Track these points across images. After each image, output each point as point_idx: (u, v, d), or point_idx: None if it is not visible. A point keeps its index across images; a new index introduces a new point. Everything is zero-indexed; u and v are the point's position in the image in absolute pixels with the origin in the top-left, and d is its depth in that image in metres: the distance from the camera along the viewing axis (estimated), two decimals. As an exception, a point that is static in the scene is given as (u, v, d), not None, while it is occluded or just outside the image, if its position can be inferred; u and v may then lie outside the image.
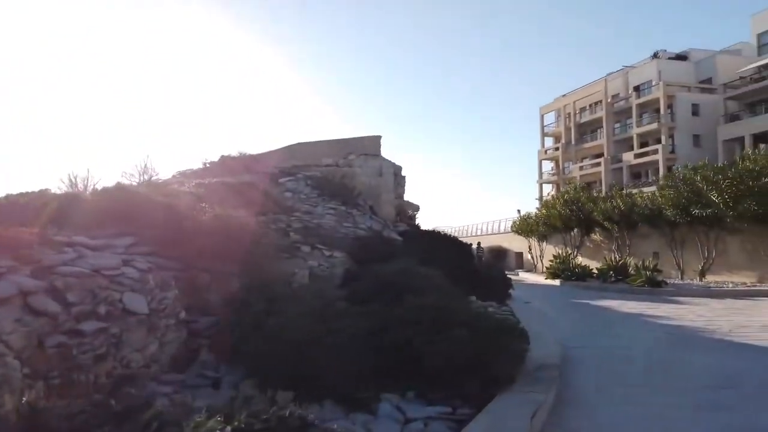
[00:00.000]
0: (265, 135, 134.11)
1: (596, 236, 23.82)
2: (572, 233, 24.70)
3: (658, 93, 43.47)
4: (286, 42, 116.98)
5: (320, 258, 9.17)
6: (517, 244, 30.75)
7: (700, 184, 15.69)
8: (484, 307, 10.99)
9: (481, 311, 6.43)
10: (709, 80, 43.58)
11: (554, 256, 21.81)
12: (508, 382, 5.01)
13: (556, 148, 52.97)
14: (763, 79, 38.55)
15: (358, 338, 5.25)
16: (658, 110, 43.85)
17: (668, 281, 16.35)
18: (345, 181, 15.32)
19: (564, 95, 52.80)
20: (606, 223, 21.23)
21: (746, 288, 14.75)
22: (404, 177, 17.19)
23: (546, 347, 7.03)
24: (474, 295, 12.11)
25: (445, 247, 15.52)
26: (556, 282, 19.95)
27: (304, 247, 9.15)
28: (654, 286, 15.42)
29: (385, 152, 19.37)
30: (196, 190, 10.58)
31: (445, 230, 49.95)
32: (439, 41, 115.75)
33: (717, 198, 15.08)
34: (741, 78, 40.76)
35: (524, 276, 25.12)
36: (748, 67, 40.13)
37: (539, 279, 22.16)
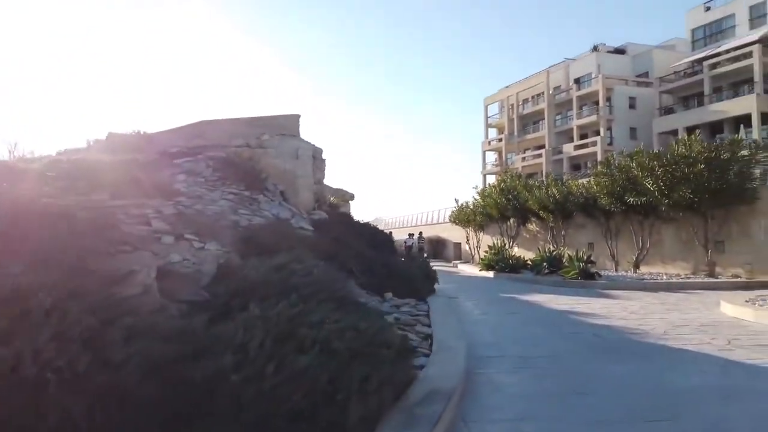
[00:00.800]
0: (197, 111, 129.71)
1: (532, 226, 22.92)
2: (508, 223, 23.74)
3: (597, 86, 43.52)
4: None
5: (188, 251, 7.36)
6: (455, 234, 29.66)
7: (635, 171, 14.78)
8: (397, 306, 9.51)
9: (357, 323, 4.80)
10: (645, 74, 43.97)
11: (489, 247, 20.71)
12: (365, 430, 3.44)
13: (500, 139, 52.58)
14: (696, 73, 39.03)
15: (152, 373, 3.55)
16: (597, 103, 43.92)
17: (602, 273, 15.43)
18: (254, 164, 13.48)
19: (507, 86, 52.35)
20: (541, 213, 20.26)
21: (680, 280, 13.94)
22: (324, 161, 15.46)
23: (450, 362, 5.53)
24: (391, 292, 10.67)
25: (363, 237, 13.99)
26: (490, 274, 18.82)
27: (166, 238, 7.29)
28: (587, 279, 14.43)
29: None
30: (46, 168, 8.54)
31: (386, 220, 48.58)
32: (384, 34, 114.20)
33: (652, 185, 14.18)
34: (675, 72, 41.24)
35: (461, 268, 24.00)
36: (682, 61, 40.64)
37: (474, 271, 21.01)
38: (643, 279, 14.42)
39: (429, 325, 7.74)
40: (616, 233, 17.45)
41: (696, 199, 13.39)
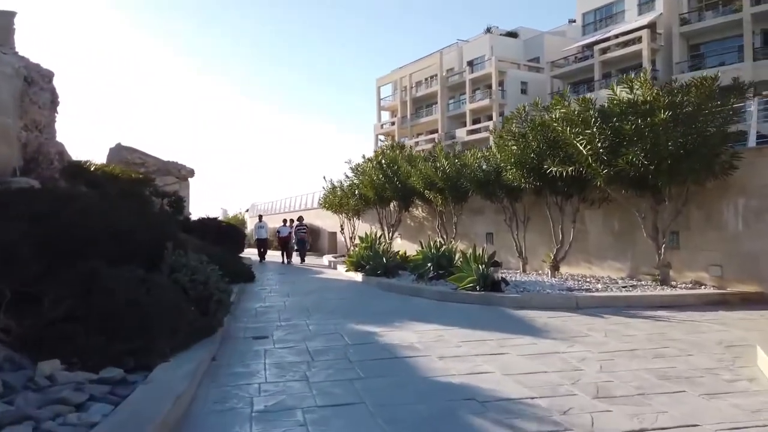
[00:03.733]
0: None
1: (417, 211, 17.32)
2: (389, 208, 17.99)
3: (490, 68, 39.52)
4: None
5: None
6: (330, 222, 23.50)
7: (559, 128, 9.45)
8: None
9: None
10: (537, 59, 40.72)
11: (360, 239, 14.88)
12: None
13: (392, 123, 47.41)
14: (586, 58, 36.10)
15: None
16: (490, 86, 40.02)
17: (509, 278, 10.02)
18: None
19: (401, 67, 47.13)
20: (428, 193, 14.61)
21: (624, 293, 8.76)
22: (52, 90, 8.39)
23: None
24: (70, 355, 4.20)
25: (100, 226, 7.22)
26: (359, 277, 12.88)
27: None
28: (491, 290, 8.91)
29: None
30: None
31: (260, 206, 40.79)
32: (279, 10, 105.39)
33: (585, 147, 8.94)
34: (566, 57, 38.26)
35: (339, 267, 17.84)
36: (571, 46, 37.68)
37: (341, 271, 15.00)
38: (571, 289, 9.13)
39: None
40: (525, 220, 12.22)
41: (652, 168, 8.28)
